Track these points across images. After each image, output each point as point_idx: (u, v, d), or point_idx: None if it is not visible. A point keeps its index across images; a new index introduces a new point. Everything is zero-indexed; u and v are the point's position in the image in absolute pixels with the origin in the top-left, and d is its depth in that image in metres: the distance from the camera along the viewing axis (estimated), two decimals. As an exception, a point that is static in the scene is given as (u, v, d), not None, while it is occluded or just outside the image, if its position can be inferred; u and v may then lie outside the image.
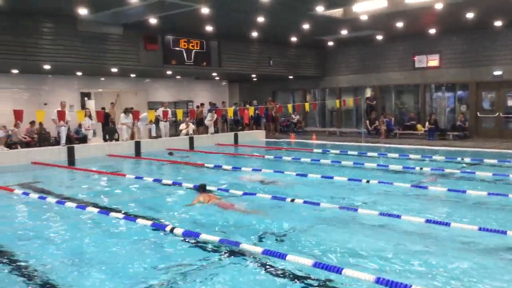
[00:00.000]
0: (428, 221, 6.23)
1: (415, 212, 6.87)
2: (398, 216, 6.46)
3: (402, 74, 21.08)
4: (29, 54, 14.20)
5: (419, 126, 20.02)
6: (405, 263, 4.91)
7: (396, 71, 21.25)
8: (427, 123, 19.14)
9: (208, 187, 8.22)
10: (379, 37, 20.00)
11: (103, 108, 18.28)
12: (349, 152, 14.33)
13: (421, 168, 10.97)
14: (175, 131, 20.43)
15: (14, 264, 5.09)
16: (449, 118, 20.20)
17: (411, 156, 13.30)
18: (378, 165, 11.61)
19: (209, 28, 16.96)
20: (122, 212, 7.18)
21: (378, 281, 4.19)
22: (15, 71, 17.64)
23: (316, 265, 4.57)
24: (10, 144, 15.62)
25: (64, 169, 12.75)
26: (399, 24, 16.96)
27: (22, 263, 5.11)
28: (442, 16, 15.42)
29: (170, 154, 14.97)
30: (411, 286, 3.96)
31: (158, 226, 6.27)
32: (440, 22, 17.09)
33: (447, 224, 6.07)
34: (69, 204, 7.73)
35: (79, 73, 19.55)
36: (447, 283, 4.39)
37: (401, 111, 22.20)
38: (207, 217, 6.92)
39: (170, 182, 9.64)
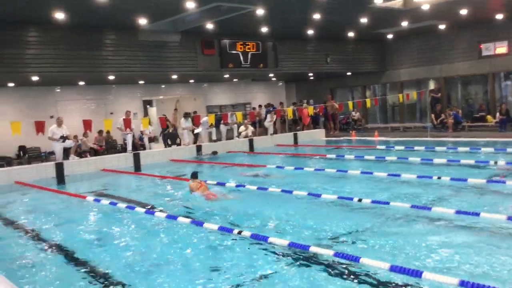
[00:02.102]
0: (510, 218, 5.79)
1: (494, 209, 6.42)
2: (477, 214, 6.06)
3: (468, 63, 20.02)
4: (95, 66, 14.84)
5: (489, 117, 18.91)
6: (490, 265, 4.56)
7: (461, 61, 20.21)
8: (497, 114, 18.03)
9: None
10: (442, 27, 19.11)
11: (164, 115, 18.74)
12: (416, 148, 13.75)
13: (495, 162, 10.31)
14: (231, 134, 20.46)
15: (87, 267, 5.24)
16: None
17: (483, 149, 12.55)
18: (448, 160, 11.03)
19: (264, 29, 16.94)
20: (189, 216, 7.25)
21: (462, 284, 3.92)
22: (81, 83, 18.49)
23: (393, 268, 4.34)
24: (80, 153, 16.36)
25: (131, 175, 13.16)
26: (463, 12, 16.10)
27: (94, 267, 5.25)
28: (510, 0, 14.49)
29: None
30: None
31: (225, 230, 6.25)
32: (508, 7, 16.05)
33: (533, 222, 5.61)
34: (138, 209, 7.93)
35: (141, 82, 20.19)
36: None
37: (468, 103, 21.10)
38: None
39: (233, 184, 9.65)
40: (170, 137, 18.42)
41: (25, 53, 13.50)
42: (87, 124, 13.28)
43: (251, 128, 19.38)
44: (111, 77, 16.85)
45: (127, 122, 14.69)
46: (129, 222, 7.40)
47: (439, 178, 8.68)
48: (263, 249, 5.45)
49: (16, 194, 10.95)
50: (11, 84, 16.84)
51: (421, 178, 8.95)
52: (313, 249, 5.14)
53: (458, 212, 6.22)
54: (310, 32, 18.45)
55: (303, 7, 13.95)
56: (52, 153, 14.95)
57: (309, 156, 14.71)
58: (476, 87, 21.12)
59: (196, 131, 17.61)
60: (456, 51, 20.37)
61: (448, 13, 16.28)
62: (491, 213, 6.08)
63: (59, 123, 13.88)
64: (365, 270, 4.53)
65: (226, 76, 20.48)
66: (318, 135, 20.10)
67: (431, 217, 6.31)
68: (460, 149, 12.88)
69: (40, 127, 12.37)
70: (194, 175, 9.04)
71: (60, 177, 12.82)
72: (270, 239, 5.59)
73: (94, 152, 17.35)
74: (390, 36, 21.02)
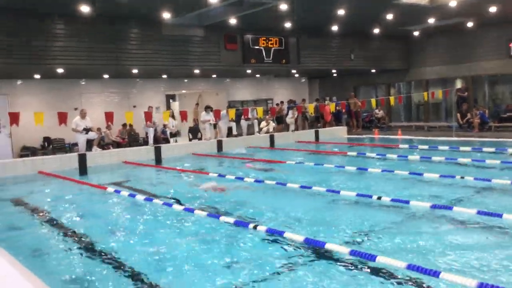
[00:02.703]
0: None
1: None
2: (499, 215, 5.89)
3: (496, 62, 19.52)
4: (120, 59, 14.99)
5: (516, 118, 18.43)
6: (510, 268, 4.42)
7: (489, 59, 19.71)
8: (526, 115, 17.55)
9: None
10: (470, 24, 18.64)
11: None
12: (439, 147, 13.49)
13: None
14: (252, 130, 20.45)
15: (105, 257, 5.30)
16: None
17: (510, 150, 12.21)
18: (472, 160, 10.78)
19: (287, 25, 16.83)
20: (205, 209, 7.26)
21: (480, 286, 3.81)
22: (106, 76, 18.73)
23: (410, 267, 4.25)
24: (103, 145, 16.60)
25: (152, 167, 13.27)
26: (492, 9, 15.69)
27: (113, 257, 5.30)
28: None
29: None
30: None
31: (241, 224, 6.24)
32: (540, 4, 15.58)
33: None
34: (156, 201, 7.98)
35: (164, 76, 20.34)
36: None
37: (496, 103, 20.58)
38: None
39: (252, 180, 9.63)
40: (191, 131, 18.52)
41: (52, 45, 13.72)
42: (109, 117, 13.45)
43: (272, 124, 19.33)
44: (135, 71, 17.01)
45: (147, 115, 14.81)
46: (147, 213, 7.45)
47: (462, 178, 8.48)
48: (278, 244, 5.41)
49: (39, 183, 11.16)
50: (37, 76, 17.18)
51: (444, 177, 8.76)
52: (329, 246, 5.08)
53: (479, 212, 6.05)
54: (334, 28, 18.25)
55: (328, 2, 13.81)
56: (76, 144, 15.20)
57: (330, 153, 14.58)
58: (504, 86, 20.58)
59: (228, 125, 17.63)
60: (484, 49, 19.87)
61: (476, 10, 15.89)
62: (514, 215, 5.90)
63: (83, 115, 14.09)
64: (381, 269, 4.45)
65: (249, 71, 20.45)
66: (340, 132, 19.92)
67: (452, 217, 6.16)
68: (486, 149, 12.57)
69: (62, 118, 12.59)
70: None
71: (83, 168, 13.02)
72: (286, 234, 5.55)
73: (117, 145, 17.58)
74: (416, 33, 20.63)
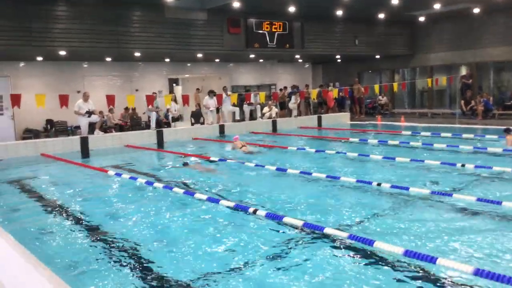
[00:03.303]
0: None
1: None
2: (499, 203, 5.87)
3: (503, 49, 19.31)
4: (122, 41, 14.92)
5: (521, 105, 18.31)
6: (509, 255, 4.42)
7: (496, 46, 19.51)
8: (531, 103, 17.43)
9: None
10: (476, 10, 18.41)
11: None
12: (442, 134, 13.42)
13: (525, 151, 9.98)
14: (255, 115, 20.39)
15: (105, 240, 5.33)
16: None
17: None
18: (474, 147, 10.73)
19: (291, 9, 16.66)
20: (206, 193, 7.28)
21: (477, 272, 3.81)
22: (108, 59, 18.66)
23: (407, 253, 4.25)
24: (106, 128, 16.62)
25: (154, 151, 13.29)
26: (500, -6, 15.50)
27: (112, 239, 5.33)
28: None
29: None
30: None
31: (240, 208, 6.26)
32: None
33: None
34: (157, 184, 8.01)
35: (167, 60, 20.25)
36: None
37: (501, 90, 20.42)
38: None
39: (252, 164, 9.63)
40: (194, 115, 18.50)
41: (54, 27, 13.66)
42: (110, 100, 13.44)
43: (275, 109, 19.28)
44: (137, 54, 16.94)
45: (149, 99, 14.77)
46: (148, 196, 7.48)
47: (463, 165, 8.45)
48: (277, 228, 5.43)
49: (41, 166, 11.21)
50: (39, 58, 17.13)
51: (445, 164, 8.73)
52: (328, 230, 5.09)
53: (479, 199, 6.04)
54: (339, 12, 18.07)
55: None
56: (78, 127, 15.21)
57: (332, 139, 14.55)
58: (509, 74, 20.40)
59: (231, 109, 17.60)
60: (490, 36, 19.66)
61: (484, -5, 15.69)
62: (514, 202, 5.89)
63: (86, 98, 14.07)
64: (379, 254, 4.46)
65: (252, 56, 20.33)
66: (343, 118, 19.84)
67: (451, 204, 6.16)
68: (488, 137, 12.51)
69: (64, 100, 12.59)
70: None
71: (85, 151, 13.05)
72: (285, 219, 5.56)
73: (119, 128, 17.59)
74: (421, 18, 20.41)
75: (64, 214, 6.58)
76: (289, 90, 21.58)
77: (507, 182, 7.52)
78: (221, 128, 16.33)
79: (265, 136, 15.62)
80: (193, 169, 9.29)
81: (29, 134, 16.78)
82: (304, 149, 11.85)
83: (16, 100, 12.12)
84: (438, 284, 3.87)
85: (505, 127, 11.38)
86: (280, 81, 24.55)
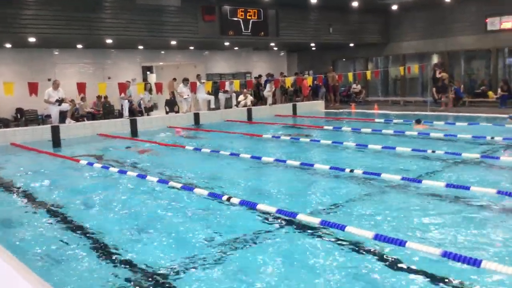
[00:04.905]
0: (500, 192, 5.77)
1: (485, 183, 6.40)
2: (467, 188, 6.04)
3: (473, 38, 19.68)
4: (93, 28, 14.60)
5: (490, 93, 18.77)
6: (476, 237, 4.56)
7: (466, 35, 19.85)
8: (499, 90, 17.86)
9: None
10: (448, -1, 18.70)
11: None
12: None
13: (492, 138, 10.24)
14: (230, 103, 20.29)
15: (78, 229, 5.27)
16: (525, 85, 18.71)
17: (481, 124, 12.47)
18: (445, 135, 10.96)
19: (266, -4, 16.58)
20: (180, 181, 7.25)
21: (445, 254, 3.93)
22: (80, 46, 18.26)
23: (377, 237, 4.34)
24: (78, 117, 16.30)
25: (127, 140, 13.12)
26: (470, -16, 15.73)
27: (84, 229, 5.27)
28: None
29: None
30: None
31: (214, 196, 6.26)
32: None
33: (523, 197, 5.60)
34: (130, 173, 7.93)
35: (140, 47, 19.94)
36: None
37: (471, 78, 20.87)
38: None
39: (227, 153, 9.62)
40: (168, 104, 18.32)
41: (22, 13, 13.27)
42: (81, 87, 13.18)
43: (250, 98, 19.24)
44: (109, 41, 16.62)
45: (121, 87, 14.53)
46: (121, 185, 7.41)
47: (433, 152, 8.64)
48: (251, 215, 5.46)
49: (11, 155, 10.95)
50: (8, 45, 16.64)
51: (416, 151, 8.91)
52: (301, 217, 5.15)
53: (448, 185, 6.19)
54: (313, 0, 18.07)
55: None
56: (49, 116, 14.88)
57: (306, 127, 14.64)
58: (479, 62, 20.84)
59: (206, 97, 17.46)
60: (461, 24, 19.98)
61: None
62: (481, 187, 6.06)
63: (56, 86, 13.75)
64: (351, 239, 4.54)
65: (227, 44, 20.19)
66: (318, 106, 19.97)
67: (421, 190, 6.30)
68: (458, 124, 12.80)
69: (33, 89, 12.28)
70: None
71: (56, 140, 12.80)
72: (259, 206, 5.60)
73: (92, 117, 17.29)
74: (394, 7, 20.56)
75: (34, 204, 6.46)
76: (264, 78, 21.54)
77: (475, 168, 7.71)
78: (196, 117, 16.23)
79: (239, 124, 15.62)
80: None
81: (-2, 123, 16.34)
82: (279, 137, 11.90)
83: (-18, 88, 11.77)
84: (408, 267, 3.96)
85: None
86: (255, 69, 24.47)
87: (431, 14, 20.85)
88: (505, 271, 3.60)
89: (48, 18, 13.63)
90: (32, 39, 14.70)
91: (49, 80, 16.30)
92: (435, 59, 21.20)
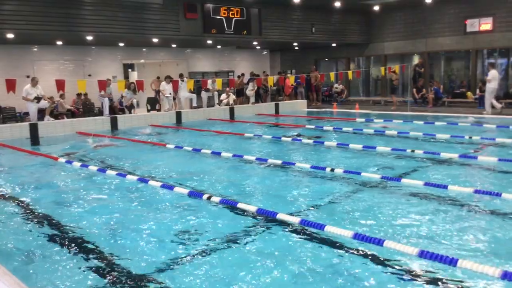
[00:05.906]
0: (477, 191, 5.87)
1: (463, 182, 6.50)
2: (445, 187, 6.12)
3: (453, 39, 19.98)
4: (73, 24, 14.38)
5: (469, 93, 19.08)
6: (453, 236, 4.62)
7: (446, 36, 20.14)
8: (477, 91, 18.17)
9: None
10: (428, 0, 18.92)
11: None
12: (394, 121, 13.81)
13: (470, 137, 10.42)
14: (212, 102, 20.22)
15: (55, 229, 5.18)
16: (502, 86, 19.02)
17: (460, 124, 12.68)
18: (424, 134, 11.10)
19: (249, -5, 16.56)
20: (161, 180, 7.19)
21: (422, 254, 3.97)
22: (59, 42, 17.98)
23: (356, 236, 4.37)
24: (57, 114, 16.06)
25: (107, 138, 12.96)
26: (450, -15, 15.95)
27: (63, 228, 5.19)
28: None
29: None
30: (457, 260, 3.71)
31: (195, 195, 6.23)
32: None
33: (498, 195, 5.69)
34: (109, 172, 7.84)
35: (121, 44, 19.72)
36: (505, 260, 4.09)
37: (451, 79, 21.18)
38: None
39: (209, 151, 9.59)
40: (150, 102, 18.18)
41: (1, 8, 12.98)
42: (60, 85, 12.98)
43: (232, 96, 19.22)
44: (90, 38, 16.39)
45: (101, 84, 14.34)
46: (100, 184, 7.31)
47: (412, 151, 8.74)
48: (231, 214, 5.45)
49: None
50: (-15, 41, 16.30)
51: (396, 150, 9.00)
52: (281, 216, 5.15)
53: (426, 184, 6.27)
54: (296, 0, 18.11)
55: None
56: (27, 113, 14.63)
57: (288, 126, 14.67)
58: (459, 63, 21.17)
59: (189, 96, 17.32)
60: (441, 25, 20.27)
61: (435, -14, 16.11)
62: (458, 186, 6.15)
63: (34, 83, 13.52)
64: (331, 238, 4.55)
65: (209, 42, 20.10)
66: (300, 106, 20.04)
67: (400, 188, 6.36)
68: (437, 123, 12.98)
69: (11, 86, 12.05)
70: None
71: (35, 138, 12.59)
72: (239, 205, 5.59)
73: (71, 115, 17.05)
74: (376, 8, 20.77)
75: (12, 203, 6.34)
76: (247, 77, 21.54)
77: (453, 167, 7.82)
78: (178, 115, 16.13)
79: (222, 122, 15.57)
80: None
81: (-25, 120, 16.01)
82: (260, 135, 11.90)
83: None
84: (386, 265, 3.99)
85: None
86: (238, 68, 24.43)
87: (412, 15, 21.10)
88: (480, 270, 3.65)
89: (26, 14, 13.37)
90: (10, 35, 14.40)
91: (27, 77, 16.01)
92: (415, 60, 21.45)
